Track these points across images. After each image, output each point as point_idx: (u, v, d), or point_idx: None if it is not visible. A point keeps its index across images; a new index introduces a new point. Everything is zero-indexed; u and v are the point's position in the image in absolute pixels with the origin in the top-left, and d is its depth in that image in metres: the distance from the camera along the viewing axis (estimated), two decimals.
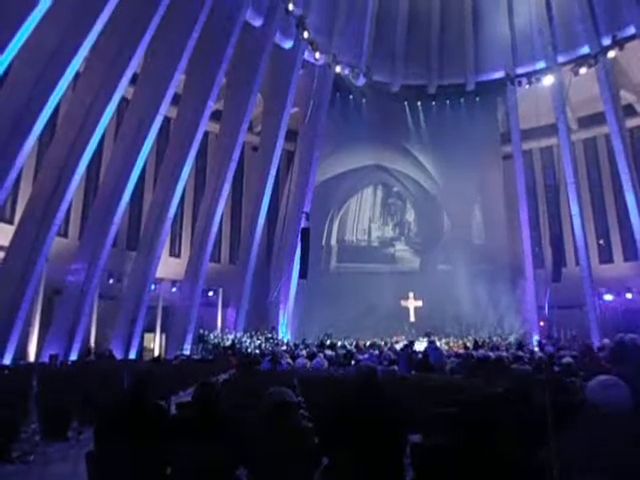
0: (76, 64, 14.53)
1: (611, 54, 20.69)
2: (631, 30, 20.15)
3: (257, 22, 20.58)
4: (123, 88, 16.21)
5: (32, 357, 15.63)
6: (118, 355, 16.68)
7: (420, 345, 15.97)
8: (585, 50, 21.60)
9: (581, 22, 21.38)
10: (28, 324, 15.45)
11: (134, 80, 17.47)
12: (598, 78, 21.17)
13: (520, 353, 10.87)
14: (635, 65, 21.51)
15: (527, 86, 22.78)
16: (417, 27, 24.43)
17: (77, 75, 15.81)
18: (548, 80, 22.05)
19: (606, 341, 13.83)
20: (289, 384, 5.66)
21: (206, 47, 18.30)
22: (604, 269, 23.08)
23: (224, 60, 18.71)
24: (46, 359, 14.63)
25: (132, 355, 17.56)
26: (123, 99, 17.11)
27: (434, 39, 24.68)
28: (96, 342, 17.99)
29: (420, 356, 11.04)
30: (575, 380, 5.25)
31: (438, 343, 19.45)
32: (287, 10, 19.89)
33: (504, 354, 10.01)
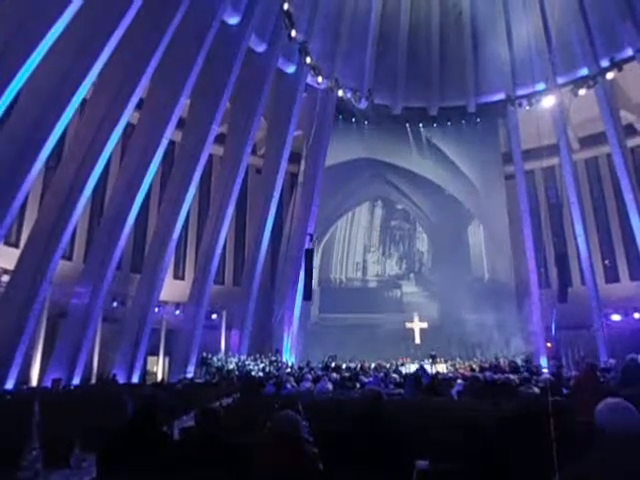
0: (83, 90, 14.80)
1: (609, 75, 20.93)
2: (628, 52, 20.43)
3: (260, 48, 21.03)
4: (129, 113, 16.48)
5: (35, 381, 15.48)
6: (121, 379, 16.54)
7: (426, 367, 15.82)
8: (584, 72, 21.86)
9: (579, 44, 21.70)
10: (31, 347, 15.38)
11: (140, 105, 17.77)
12: (597, 99, 21.38)
13: (525, 374, 10.77)
14: (634, 85, 21.69)
15: (527, 107, 23.01)
16: (417, 51, 24.84)
17: (84, 101, 16.09)
18: (548, 101, 22.26)
19: (612, 361, 13.63)
20: (293, 408, 5.57)
21: (211, 72, 18.65)
22: (611, 288, 22.85)
23: (228, 85, 19.05)
24: (49, 383, 14.50)
25: (135, 379, 17.41)
26: (129, 124, 17.38)
27: (434, 62, 25.04)
28: (99, 366, 17.86)
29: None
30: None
31: (443, 365, 19.38)
32: (290, 36, 20.27)
33: (512, 377, 9.87)
